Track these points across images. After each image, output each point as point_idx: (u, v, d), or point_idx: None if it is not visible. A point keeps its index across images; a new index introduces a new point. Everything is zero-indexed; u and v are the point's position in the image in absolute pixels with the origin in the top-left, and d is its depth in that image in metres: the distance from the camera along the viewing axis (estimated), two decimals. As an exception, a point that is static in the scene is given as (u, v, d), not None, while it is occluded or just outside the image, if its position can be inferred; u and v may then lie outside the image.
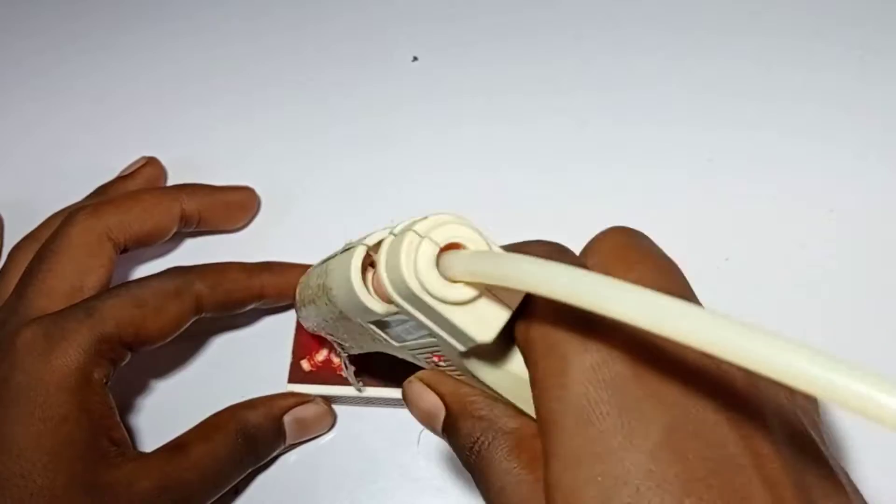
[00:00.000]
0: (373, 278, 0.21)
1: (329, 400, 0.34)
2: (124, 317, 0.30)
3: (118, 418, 0.30)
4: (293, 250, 0.37)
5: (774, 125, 0.41)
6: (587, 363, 0.19)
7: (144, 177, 0.39)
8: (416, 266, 0.19)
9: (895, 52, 0.43)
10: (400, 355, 0.25)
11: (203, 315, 0.32)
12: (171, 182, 0.41)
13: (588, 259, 0.22)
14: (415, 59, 0.44)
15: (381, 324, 0.23)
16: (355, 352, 0.29)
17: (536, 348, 0.20)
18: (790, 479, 0.18)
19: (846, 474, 0.21)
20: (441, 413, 0.24)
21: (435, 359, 0.23)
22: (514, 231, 0.38)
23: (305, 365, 0.33)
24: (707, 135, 0.41)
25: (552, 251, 0.22)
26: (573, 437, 0.18)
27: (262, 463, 0.33)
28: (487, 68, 0.44)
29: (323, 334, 0.30)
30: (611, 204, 0.39)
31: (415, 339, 0.22)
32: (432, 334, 0.20)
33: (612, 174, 0.40)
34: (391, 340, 0.24)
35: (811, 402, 0.23)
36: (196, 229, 0.38)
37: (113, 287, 0.31)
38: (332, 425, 0.34)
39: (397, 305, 0.20)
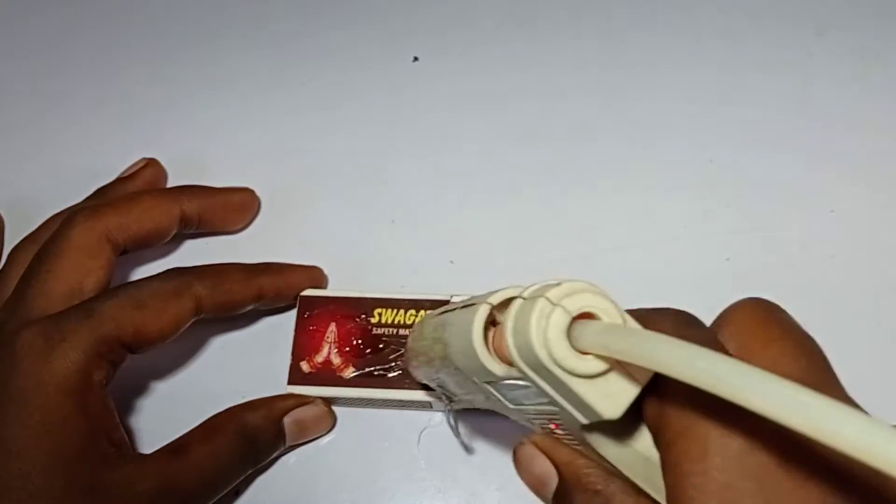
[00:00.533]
0: (494, 338, 0.20)
1: (329, 401, 0.34)
2: (124, 318, 0.30)
3: (118, 419, 0.30)
4: (293, 251, 0.37)
5: (775, 125, 0.41)
6: (731, 449, 0.18)
7: (144, 178, 0.39)
8: (546, 335, 0.18)
9: (896, 51, 0.43)
10: (513, 417, 0.24)
11: (202, 316, 0.32)
12: (171, 184, 0.41)
13: (722, 331, 0.21)
14: (415, 59, 0.44)
15: (498, 385, 0.22)
16: (464, 406, 0.28)
17: (672, 428, 0.19)
18: None
19: None
20: (554, 482, 0.23)
21: (552, 426, 0.22)
22: (514, 231, 0.38)
23: (305, 366, 0.33)
24: (708, 135, 0.41)
25: (681, 323, 0.21)
26: None
27: (262, 465, 0.33)
28: (488, 68, 0.43)
29: (432, 386, 0.29)
30: (611, 204, 0.39)
31: (533, 405, 0.21)
32: (553, 403, 0.19)
33: (612, 175, 0.40)
34: (507, 402, 0.23)
35: None
36: (196, 231, 0.38)
37: (112, 288, 0.31)
38: (332, 427, 0.34)
39: (520, 371, 0.19)
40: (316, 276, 0.36)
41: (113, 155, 0.41)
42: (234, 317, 0.35)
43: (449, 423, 0.31)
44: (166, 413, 0.35)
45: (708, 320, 0.36)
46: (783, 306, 0.36)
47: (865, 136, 0.40)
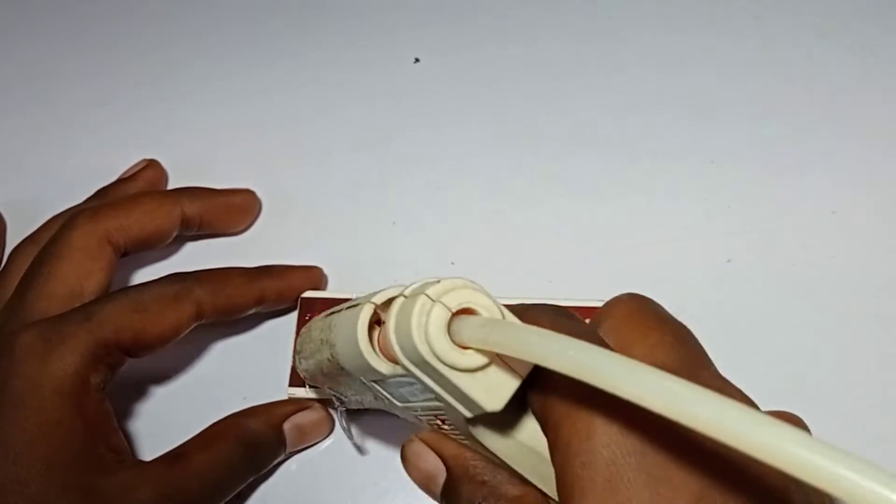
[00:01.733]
0: (379, 337, 0.21)
1: (329, 403, 0.34)
2: (123, 322, 0.30)
3: (116, 424, 0.30)
4: (294, 253, 0.37)
5: (776, 126, 0.41)
6: (615, 427, 0.18)
7: (145, 179, 0.38)
8: (427, 331, 0.19)
9: (897, 52, 0.43)
10: (401, 415, 0.25)
11: (203, 321, 0.32)
12: (172, 185, 0.41)
13: (602, 325, 0.22)
14: (416, 60, 0.44)
15: (385, 383, 0.22)
16: (354, 407, 0.28)
17: (557, 412, 0.20)
18: None
19: None
20: (441, 476, 0.24)
21: (438, 422, 0.23)
22: (515, 232, 0.38)
23: None
24: (709, 136, 0.41)
25: (558, 315, 0.22)
26: (599, 503, 0.18)
27: (262, 473, 0.32)
28: (489, 69, 0.43)
29: (322, 388, 0.30)
30: (612, 205, 0.39)
31: (419, 402, 0.22)
32: (438, 398, 0.20)
33: (613, 176, 0.40)
34: (394, 400, 0.23)
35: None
36: (197, 232, 0.38)
37: (113, 292, 0.31)
38: (331, 432, 0.34)
39: (404, 368, 0.20)
40: (316, 276, 0.36)
41: (114, 156, 0.41)
42: (235, 321, 0.35)
43: (341, 424, 0.31)
44: (167, 416, 0.35)
45: (709, 321, 0.36)
46: (784, 307, 0.36)
47: (866, 138, 0.40)
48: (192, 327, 0.32)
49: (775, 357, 0.35)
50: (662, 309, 0.23)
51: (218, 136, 0.42)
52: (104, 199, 0.36)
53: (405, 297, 0.20)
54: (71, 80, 0.45)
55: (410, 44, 0.44)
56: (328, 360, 0.24)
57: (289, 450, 0.33)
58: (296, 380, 0.33)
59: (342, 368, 0.23)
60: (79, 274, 0.31)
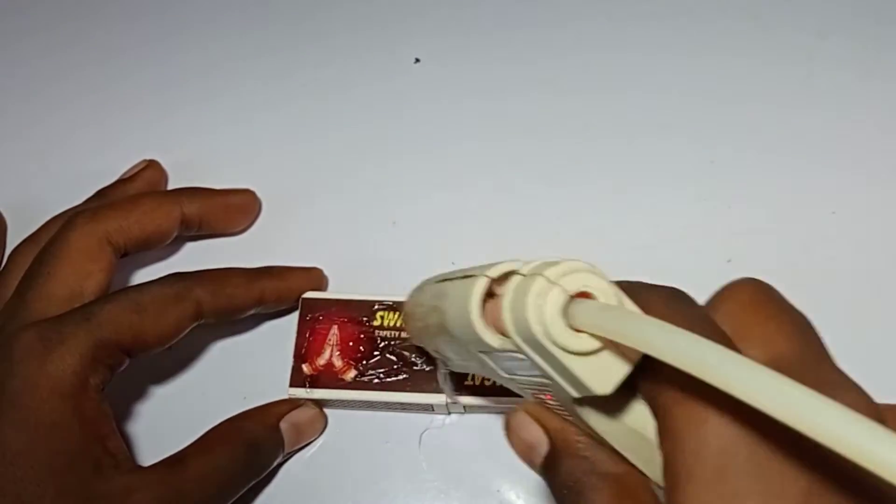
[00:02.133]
0: (490, 310, 0.21)
1: (330, 404, 0.34)
2: (123, 322, 0.29)
3: (115, 426, 0.29)
4: (295, 253, 0.37)
5: (776, 127, 0.41)
6: (727, 417, 0.18)
7: (145, 180, 0.38)
8: (543, 313, 0.18)
9: (897, 53, 0.43)
10: (505, 384, 0.25)
11: (203, 321, 0.32)
12: (172, 185, 0.41)
13: (718, 309, 0.22)
14: (417, 60, 0.44)
15: (493, 355, 0.22)
16: (458, 370, 0.28)
17: (670, 397, 0.19)
18: None
19: None
20: (544, 447, 0.24)
21: (544, 397, 0.23)
22: (516, 232, 0.38)
23: (307, 369, 0.33)
24: (709, 137, 0.41)
25: (675, 299, 0.21)
26: (707, 491, 0.18)
27: (262, 476, 0.32)
28: (490, 70, 0.43)
29: (428, 349, 0.30)
30: (613, 206, 0.39)
31: (526, 376, 0.22)
32: (546, 377, 0.20)
33: (615, 176, 0.40)
34: (501, 371, 0.23)
35: None
36: (197, 233, 0.37)
37: (112, 292, 0.31)
38: (324, 429, 0.34)
39: (515, 345, 0.20)
40: (316, 277, 0.36)
41: (113, 156, 0.41)
42: (234, 321, 0.34)
43: (443, 386, 0.32)
44: (169, 416, 0.35)
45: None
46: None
47: (867, 138, 0.40)
48: (191, 327, 0.32)
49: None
50: (782, 297, 0.23)
51: (218, 136, 0.42)
52: (104, 200, 0.36)
53: (523, 275, 0.20)
54: (70, 80, 0.45)
55: (411, 44, 0.44)
56: (437, 325, 0.24)
57: (287, 449, 0.33)
58: (296, 380, 0.33)
59: (452, 336, 0.23)
60: (78, 274, 0.31)
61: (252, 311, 0.34)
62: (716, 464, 0.18)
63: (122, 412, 0.35)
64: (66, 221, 0.33)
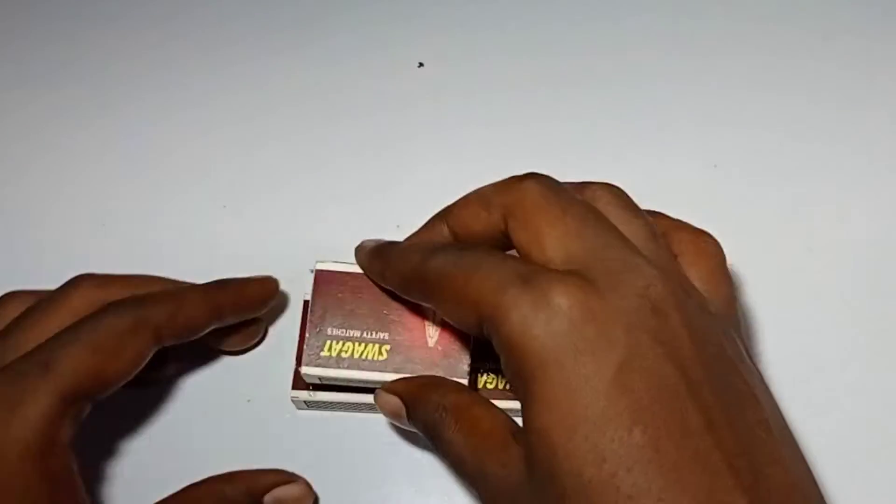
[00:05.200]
0: None
1: (334, 407, 0.34)
2: (81, 367, 0.28)
3: (79, 482, 0.28)
4: (297, 257, 0.37)
5: (781, 130, 0.41)
6: (541, 318, 0.22)
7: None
8: None
9: (901, 57, 0.43)
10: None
11: (163, 345, 0.31)
12: (172, 187, 0.41)
13: (513, 216, 0.26)
14: (420, 64, 0.44)
15: None
16: None
17: (494, 328, 0.23)
18: (720, 401, 0.22)
19: (762, 383, 0.24)
20: (402, 409, 0.29)
21: None
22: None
23: None
24: (713, 140, 0.41)
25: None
26: (540, 385, 0.22)
27: None
28: (493, 73, 0.44)
29: None
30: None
31: None
32: None
33: (618, 179, 0.40)
34: None
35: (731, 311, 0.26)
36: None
37: (65, 331, 0.29)
38: None
39: None
40: (271, 287, 0.35)
41: (116, 162, 0.41)
42: (193, 341, 0.33)
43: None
44: (171, 419, 0.35)
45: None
46: (789, 311, 0.36)
47: (871, 141, 0.40)
48: (152, 354, 0.30)
49: (778, 360, 0.35)
50: (564, 191, 0.26)
51: (220, 138, 0.42)
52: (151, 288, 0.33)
53: None
54: (72, 80, 0.45)
55: (415, 48, 0.44)
56: None
57: None
58: (299, 383, 0.33)
59: None
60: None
61: (212, 327, 0.32)
62: (542, 360, 0.22)
63: (122, 412, 0.35)
64: (74, 278, 0.32)
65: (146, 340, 0.30)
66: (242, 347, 0.36)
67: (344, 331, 0.32)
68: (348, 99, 0.43)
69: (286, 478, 0.32)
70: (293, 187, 0.41)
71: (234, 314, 0.33)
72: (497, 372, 0.33)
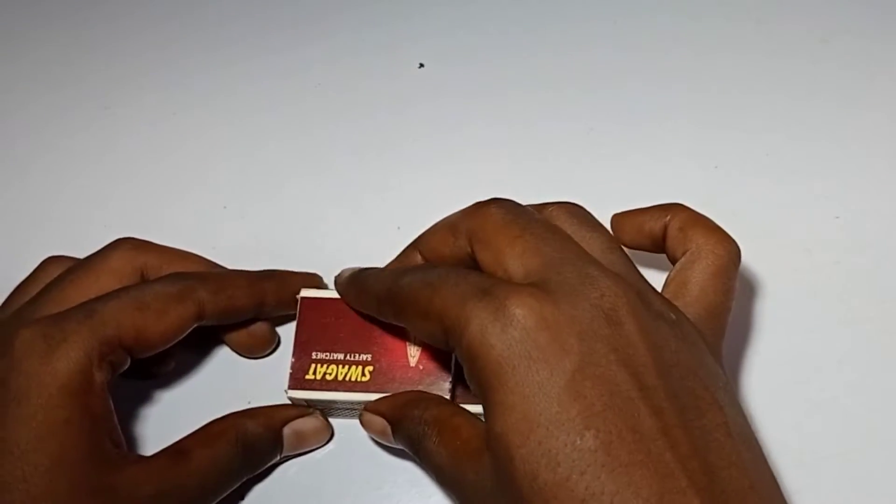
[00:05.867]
0: None
1: (333, 409, 0.34)
2: (125, 319, 0.29)
3: (116, 420, 0.30)
4: (299, 258, 0.37)
5: (780, 131, 0.41)
6: (498, 327, 0.23)
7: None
8: None
9: (901, 58, 0.43)
10: None
11: (204, 322, 0.32)
12: (172, 188, 0.41)
13: (476, 238, 0.28)
14: (421, 65, 0.44)
15: None
16: None
17: (456, 339, 0.25)
18: (674, 405, 0.23)
19: (725, 388, 0.25)
20: (387, 427, 0.30)
21: None
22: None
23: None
24: (713, 142, 0.41)
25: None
26: (497, 392, 0.23)
27: (256, 473, 0.33)
28: (494, 74, 0.44)
29: None
30: (616, 210, 0.39)
31: None
32: None
33: (618, 181, 0.40)
34: None
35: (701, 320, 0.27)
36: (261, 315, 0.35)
37: (115, 290, 0.31)
38: (330, 439, 0.34)
39: None
40: (315, 283, 0.36)
41: (116, 162, 0.41)
42: (235, 324, 0.34)
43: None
44: (168, 418, 0.35)
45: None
46: (788, 313, 0.36)
47: (870, 143, 0.40)
48: (192, 327, 0.32)
49: (779, 361, 0.35)
50: (524, 212, 0.28)
51: (221, 140, 0.43)
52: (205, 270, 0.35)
53: None
54: (74, 82, 0.45)
55: (415, 49, 0.45)
56: None
57: (285, 453, 0.33)
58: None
59: None
60: (100, 290, 0.31)
61: (252, 314, 0.34)
62: (498, 369, 0.23)
63: (121, 413, 0.35)
64: (114, 241, 0.33)
65: (190, 311, 0.31)
66: (255, 354, 0.36)
67: (328, 354, 0.33)
68: (349, 99, 0.43)
69: (303, 411, 0.33)
70: (294, 188, 0.41)
71: (275, 305, 0.34)
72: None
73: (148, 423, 0.35)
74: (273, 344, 0.36)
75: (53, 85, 0.45)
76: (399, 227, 0.39)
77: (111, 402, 0.30)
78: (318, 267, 0.37)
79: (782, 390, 0.34)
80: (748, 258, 0.37)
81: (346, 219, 0.40)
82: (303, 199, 0.40)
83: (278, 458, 0.33)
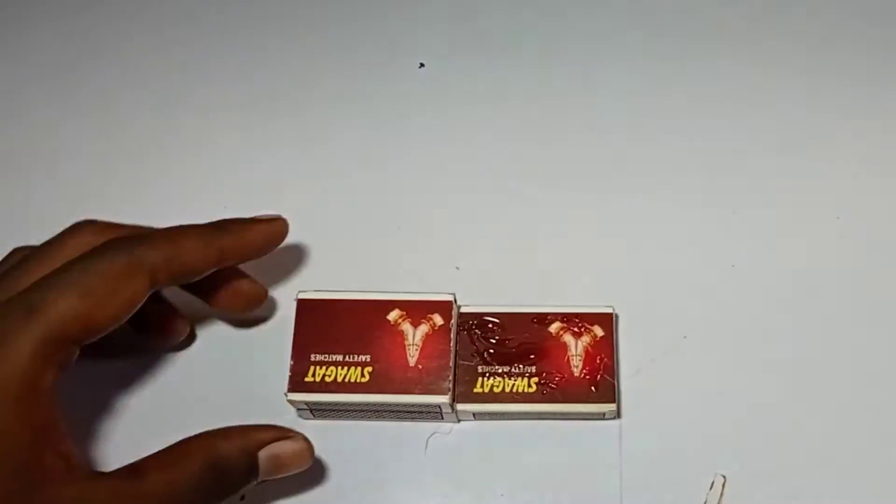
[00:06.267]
0: None
1: (332, 410, 0.34)
2: (70, 310, 0.27)
3: (65, 430, 0.27)
4: (298, 257, 0.37)
5: (780, 131, 0.41)
6: None
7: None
8: None
9: (902, 58, 0.43)
10: None
11: (158, 288, 0.30)
12: (172, 186, 0.41)
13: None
14: (421, 65, 0.44)
15: None
16: None
17: None
18: None
19: None
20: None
21: None
22: (521, 237, 0.38)
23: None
24: (714, 142, 0.41)
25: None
26: None
27: (228, 498, 0.29)
28: (494, 74, 0.44)
29: None
30: (618, 211, 0.39)
31: None
32: None
33: (618, 182, 0.40)
34: None
35: None
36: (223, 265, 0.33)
37: (55, 272, 0.28)
38: (311, 463, 0.32)
39: None
40: (279, 230, 0.33)
41: (116, 163, 0.41)
42: (232, 325, 0.34)
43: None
44: (165, 420, 0.34)
45: (713, 326, 0.36)
46: (788, 313, 0.36)
47: (871, 143, 0.40)
48: (147, 297, 0.29)
49: (779, 362, 0.35)
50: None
51: (221, 140, 0.42)
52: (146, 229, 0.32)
53: None
54: (75, 83, 0.45)
55: (416, 49, 0.44)
56: None
57: (261, 479, 0.30)
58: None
59: None
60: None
61: (212, 270, 0.31)
62: None
63: (118, 412, 0.35)
64: (72, 225, 0.31)
65: (141, 283, 0.29)
66: (248, 311, 0.35)
67: (326, 356, 0.33)
68: (349, 99, 0.43)
69: (283, 433, 0.31)
70: (294, 188, 0.41)
71: (236, 257, 0.32)
72: (503, 376, 0.33)
73: (139, 425, 0.35)
74: (265, 294, 0.35)
75: (53, 85, 0.45)
76: (399, 227, 0.39)
77: (58, 407, 0.27)
78: (318, 266, 0.37)
79: (783, 390, 0.34)
80: (748, 259, 0.37)
81: (346, 218, 0.40)
82: (303, 200, 0.40)
83: (254, 483, 0.30)
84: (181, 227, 0.31)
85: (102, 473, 0.27)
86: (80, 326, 0.27)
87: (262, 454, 0.30)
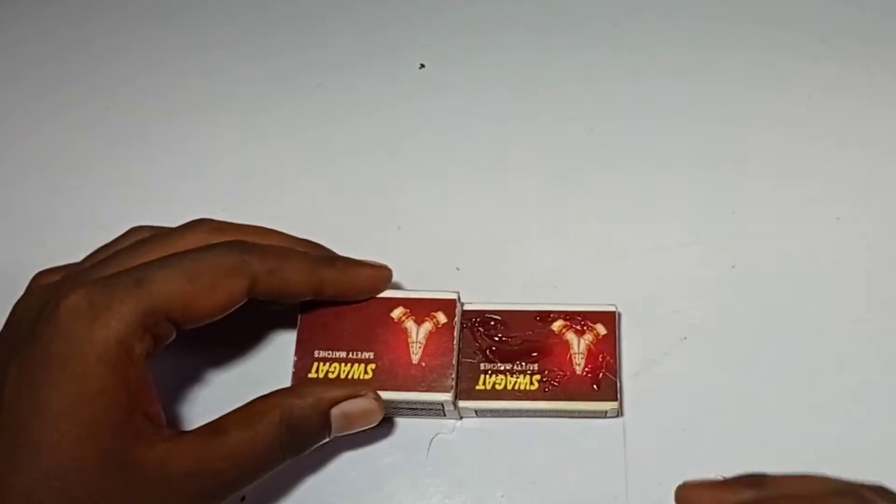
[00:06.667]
0: None
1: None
2: (174, 291, 0.28)
3: (155, 394, 0.29)
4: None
5: (780, 131, 0.41)
6: None
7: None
8: None
9: (901, 59, 0.43)
10: None
11: (255, 297, 0.31)
12: (177, 187, 0.41)
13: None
14: (422, 66, 0.44)
15: None
16: None
17: None
18: None
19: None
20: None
21: None
22: (521, 237, 0.39)
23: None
24: (715, 142, 0.41)
25: None
26: None
27: (301, 455, 0.31)
28: (494, 75, 0.44)
29: None
30: (618, 211, 0.39)
31: None
32: None
33: (619, 182, 0.40)
34: None
35: None
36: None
37: (167, 256, 0.29)
38: (380, 419, 0.32)
39: None
40: (382, 277, 0.34)
41: (116, 164, 0.41)
42: (287, 304, 0.33)
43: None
44: (169, 420, 0.35)
45: (713, 326, 0.36)
46: (788, 313, 0.36)
47: (871, 144, 0.40)
48: (243, 302, 0.31)
49: (779, 362, 0.35)
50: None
51: (222, 141, 0.42)
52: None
53: None
54: (76, 84, 0.45)
55: (416, 50, 0.45)
56: None
57: (333, 436, 0.32)
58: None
59: None
60: None
61: (307, 298, 0.33)
62: None
63: (174, 390, 0.35)
64: (197, 219, 0.32)
65: (242, 285, 0.30)
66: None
67: (330, 352, 0.33)
68: (349, 100, 0.43)
69: (353, 391, 0.32)
70: (294, 188, 0.41)
71: (334, 293, 0.33)
72: (505, 373, 0.33)
73: (182, 407, 0.35)
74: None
75: (53, 85, 0.45)
76: (399, 227, 0.39)
77: (150, 374, 0.29)
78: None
79: (783, 390, 0.34)
80: (749, 260, 0.38)
81: (347, 219, 0.40)
82: (303, 200, 0.40)
83: (326, 440, 0.32)
84: (293, 249, 0.33)
85: (185, 433, 0.29)
86: (179, 308, 0.29)
87: (335, 412, 0.31)
